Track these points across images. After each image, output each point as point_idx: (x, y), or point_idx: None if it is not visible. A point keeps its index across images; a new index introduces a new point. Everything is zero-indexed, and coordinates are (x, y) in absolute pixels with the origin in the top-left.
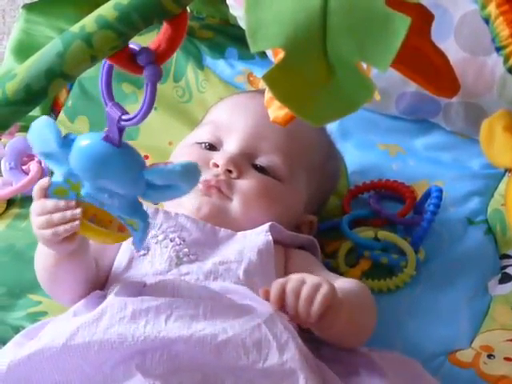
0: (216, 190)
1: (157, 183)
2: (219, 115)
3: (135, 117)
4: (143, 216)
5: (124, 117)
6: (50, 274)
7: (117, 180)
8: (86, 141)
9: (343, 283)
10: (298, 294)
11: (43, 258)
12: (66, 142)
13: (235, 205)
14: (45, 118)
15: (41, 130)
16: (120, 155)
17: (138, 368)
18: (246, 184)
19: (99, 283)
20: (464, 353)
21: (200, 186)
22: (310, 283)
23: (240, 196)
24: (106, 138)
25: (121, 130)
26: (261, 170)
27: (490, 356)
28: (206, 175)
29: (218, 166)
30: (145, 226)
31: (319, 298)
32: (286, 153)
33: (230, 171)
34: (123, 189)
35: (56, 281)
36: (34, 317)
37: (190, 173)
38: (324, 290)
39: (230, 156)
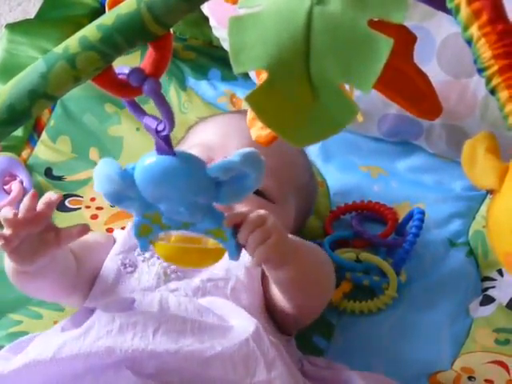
0: None
1: (222, 179)
2: (210, 137)
3: (164, 129)
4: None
5: (159, 128)
6: (18, 283)
7: (187, 187)
8: (145, 161)
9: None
10: (251, 230)
11: (8, 266)
12: (127, 173)
13: None
14: (104, 159)
15: (102, 171)
16: (180, 162)
17: (129, 368)
18: (244, 209)
19: (81, 282)
20: (445, 375)
21: None
22: (265, 228)
23: None
24: (159, 152)
25: (165, 139)
26: (256, 193)
27: (470, 378)
28: None
29: None
30: (232, 231)
31: (263, 248)
32: (277, 175)
33: None
34: (196, 195)
35: (24, 288)
36: (15, 336)
37: (251, 158)
38: (272, 241)
39: None
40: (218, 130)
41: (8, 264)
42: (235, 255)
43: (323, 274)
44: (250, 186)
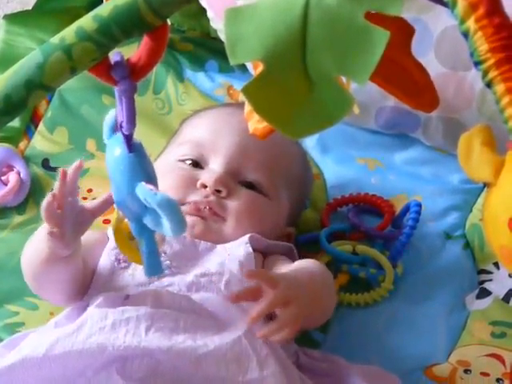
0: (209, 211)
1: (141, 201)
2: (201, 133)
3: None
4: (149, 240)
5: (123, 124)
6: (37, 272)
7: (120, 184)
8: (115, 146)
9: (301, 265)
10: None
11: (34, 253)
12: (109, 135)
13: (229, 225)
14: (112, 111)
15: (108, 117)
16: (125, 159)
17: (118, 372)
18: (237, 203)
19: (86, 282)
20: (441, 367)
21: (188, 207)
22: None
23: (234, 216)
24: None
25: (126, 137)
26: (248, 186)
27: (466, 371)
28: (194, 196)
29: (205, 187)
30: (150, 251)
31: (287, 330)
32: (269, 168)
33: (219, 191)
34: (131, 197)
35: (42, 279)
36: (12, 328)
37: (168, 207)
38: (289, 317)
39: (218, 176)
40: (209, 126)
41: (40, 252)
42: (148, 272)
43: (326, 295)
44: (166, 230)
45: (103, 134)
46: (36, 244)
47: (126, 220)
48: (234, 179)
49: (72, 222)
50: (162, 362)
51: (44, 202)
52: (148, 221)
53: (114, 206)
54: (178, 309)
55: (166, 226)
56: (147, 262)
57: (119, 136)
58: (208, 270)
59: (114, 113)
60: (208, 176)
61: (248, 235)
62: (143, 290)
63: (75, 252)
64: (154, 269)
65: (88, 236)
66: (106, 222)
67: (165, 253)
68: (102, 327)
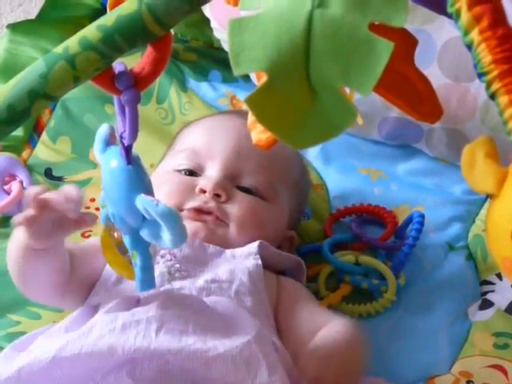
0: (211, 216)
1: (141, 212)
2: (196, 140)
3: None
4: (145, 254)
5: (123, 135)
6: (19, 267)
7: (117, 197)
8: (111, 158)
9: (333, 332)
10: None
11: (14, 247)
12: (104, 150)
13: (232, 230)
14: (106, 125)
15: (100, 131)
16: (123, 172)
17: (128, 374)
18: (237, 208)
19: (74, 287)
20: (443, 378)
21: (188, 212)
22: None
23: (236, 221)
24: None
25: (126, 147)
26: (246, 190)
27: (468, 382)
28: (193, 202)
29: (204, 192)
30: (145, 265)
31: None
32: (267, 171)
33: (218, 195)
34: (126, 211)
35: (24, 275)
36: (13, 337)
37: (170, 217)
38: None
39: (216, 181)
40: (204, 133)
41: (16, 242)
42: (141, 287)
43: (356, 361)
44: (165, 242)
45: (95, 147)
46: (15, 237)
47: (118, 234)
48: (231, 183)
49: (53, 218)
50: (172, 364)
51: (35, 190)
52: (145, 233)
53: (102, 222)
54: (188, 308)
55: (166, 237)
56: (141, 276)
57: (115, 149)
58: (218, 276)
59: (107, 126)
60: (206, 181)
61: (257, 243)
62: (154, 292)
63: (51, 249)
64: (147, 283)
65: (91, 241)
66: None
67: (174, 256)
68: (111, 329)
